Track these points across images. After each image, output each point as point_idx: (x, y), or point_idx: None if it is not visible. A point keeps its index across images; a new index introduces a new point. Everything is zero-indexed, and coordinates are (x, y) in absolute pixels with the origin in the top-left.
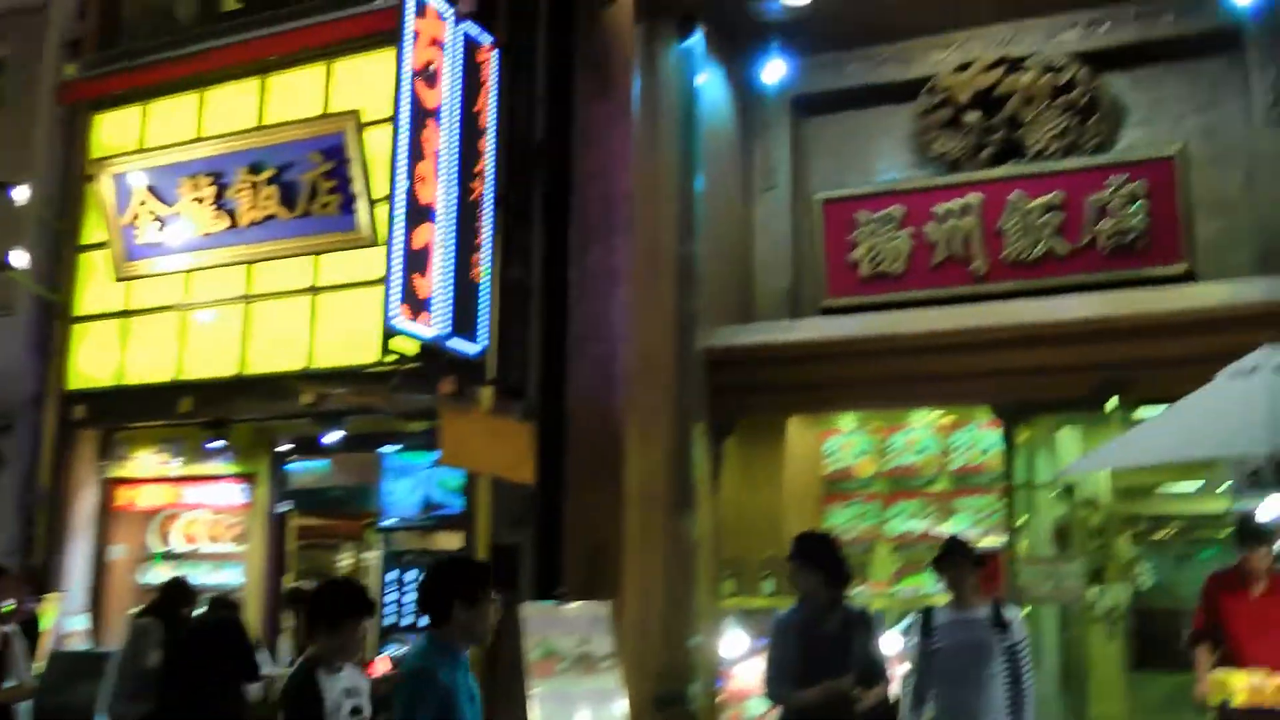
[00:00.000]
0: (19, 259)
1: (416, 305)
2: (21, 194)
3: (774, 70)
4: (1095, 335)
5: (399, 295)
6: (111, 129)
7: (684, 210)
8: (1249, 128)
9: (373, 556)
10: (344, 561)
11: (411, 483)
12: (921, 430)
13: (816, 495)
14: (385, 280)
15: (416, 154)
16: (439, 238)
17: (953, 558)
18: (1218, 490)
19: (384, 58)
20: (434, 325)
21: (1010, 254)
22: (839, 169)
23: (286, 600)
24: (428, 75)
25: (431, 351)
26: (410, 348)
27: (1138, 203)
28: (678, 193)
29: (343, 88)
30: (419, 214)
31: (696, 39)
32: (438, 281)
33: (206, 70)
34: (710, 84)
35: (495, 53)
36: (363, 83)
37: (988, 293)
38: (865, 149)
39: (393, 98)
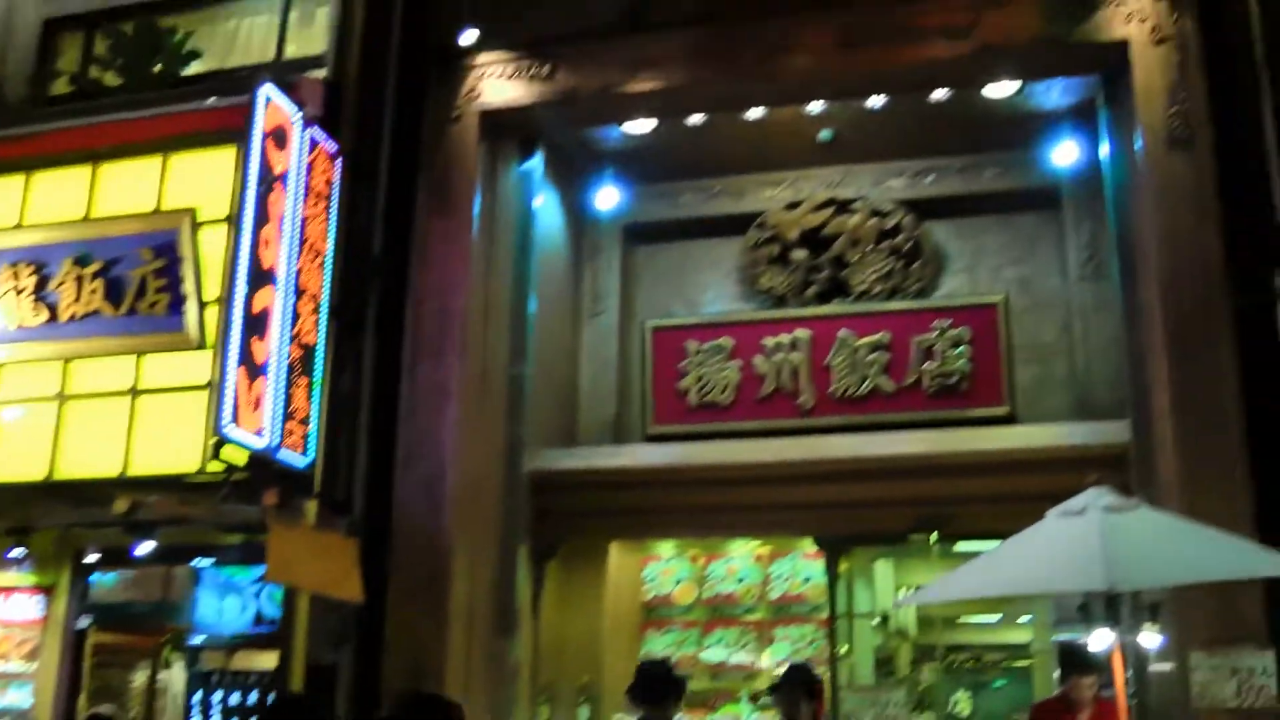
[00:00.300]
0: None
1: (247, 414)
2: None
3: (607, 197)
4: (918, 471)
5: (231, 403)
6: None
7: (516, 331)
8: (1065, 280)
9: (171, 676)
10: (137, 682)
11: (231, 597)
12: (741, 559)
13: (636, 621)
14: (217, 386)
15: (256, 257)
16: (273, 345)
17: (790, 686)
18: (1018, 621)
19: (222, 156)
20: (264, 435)
21: (837, 390)
22: (668, 297)
23: None
24: (271, 177)
25: (260, 462)
26: (239, 457)
27: (961, 347)
28: (510, 313)
29: (178, 184)
30: (255, 321)
31: (536, 161)
32: (270, 390)
33: (35, 154)
34: (546, 207)
35: (338, 160)
36: (199, 180)
37: (814, 426)
38: (695, 279)
39: (231, 197)
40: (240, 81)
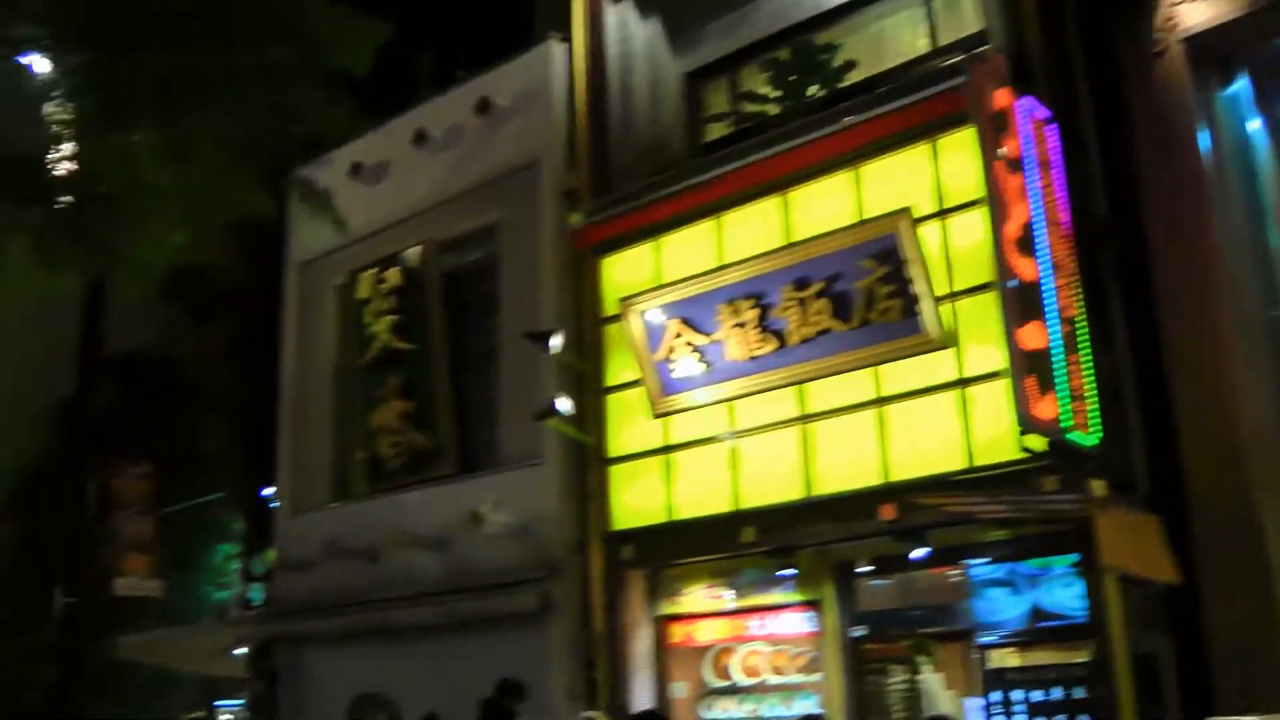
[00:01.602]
0: (564, 405)
1: (1041, 399)
2: (556, 343)
3: None
4: None
5: (1027, 390)
6: (622, 269)
7: (1262, 270)
8: None
9: (930, 678)
10: (897, 687)
11: (1006, 593)
12: None
13: None
14: (1013, 376)
15: (1015, 240)
16: (1048, 325)
17: None
18: None
19: (912, 155)
20: (1060, 419)
21: None
22: None
23: None
24: (1003, 156)
25: (1060, 447)
26: (1038, 444)
27: None
28: (1253, 251)
29: (873, 190)
30: (1028, 304)
31: (1242, 83)
32: (1055, 371)
33: (716, 198)
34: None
35: (1050, 127)
36: (893, 183)
37: None
38: None
39: (973, 185)
40: (915, 80)
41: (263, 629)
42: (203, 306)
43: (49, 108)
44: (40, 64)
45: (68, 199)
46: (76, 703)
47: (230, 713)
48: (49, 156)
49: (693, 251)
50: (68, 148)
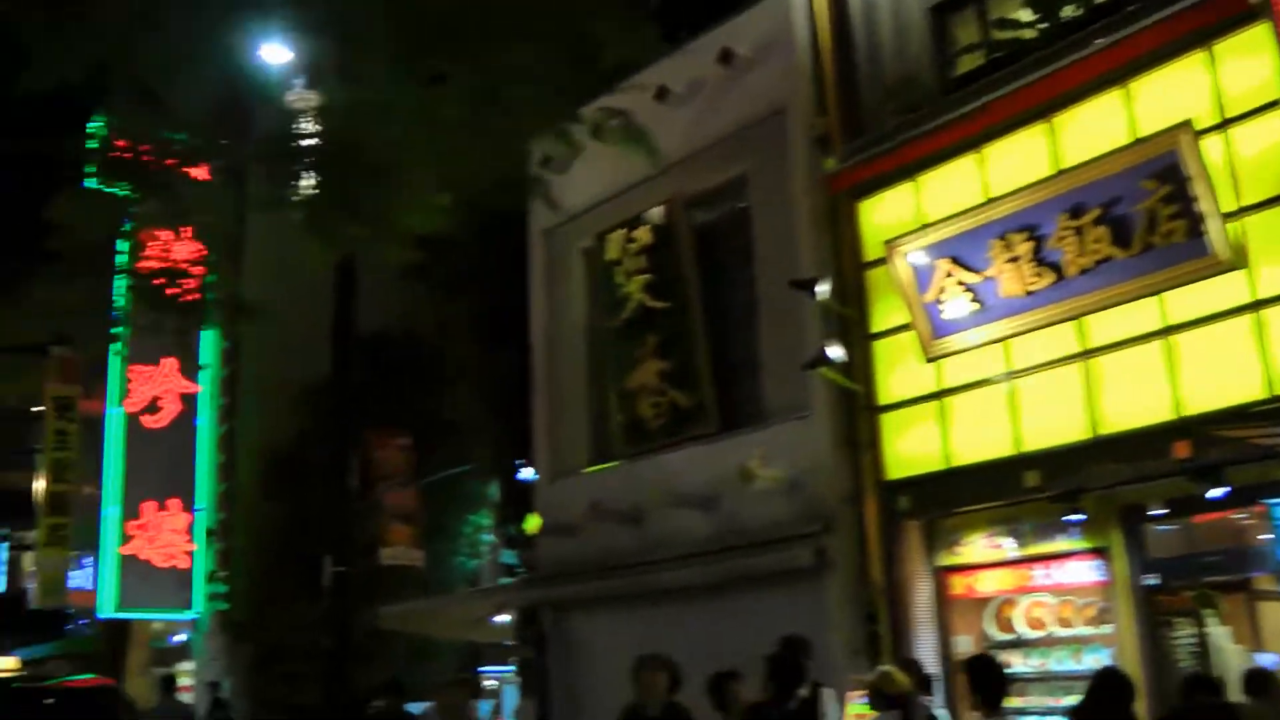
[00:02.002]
0: (835, 352)
1: None
2: (822, 289)
3: None
4: None
5: None
6: (882, 211)
7: None
8: None
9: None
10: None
11: None
12: None
13: None
14: None
15: None
16: None
17: None
18: None
19: (1191, 62)
20: None
21: None
22: None
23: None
24: None
25: None
26: None
27: None
28: None
29: (1145, 106)
30: None
31: None
32: None
33: (977, 131)
34: None
35: None
36: (1167, 95)
37: None
38: None
39: (1259, 89)
40: None
41: (527, 595)
42: (447, 282)
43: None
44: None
45: (330, 170)
46: (347, 671)
47: (494, 679)
48: (309, 128)
49: (955, 188)
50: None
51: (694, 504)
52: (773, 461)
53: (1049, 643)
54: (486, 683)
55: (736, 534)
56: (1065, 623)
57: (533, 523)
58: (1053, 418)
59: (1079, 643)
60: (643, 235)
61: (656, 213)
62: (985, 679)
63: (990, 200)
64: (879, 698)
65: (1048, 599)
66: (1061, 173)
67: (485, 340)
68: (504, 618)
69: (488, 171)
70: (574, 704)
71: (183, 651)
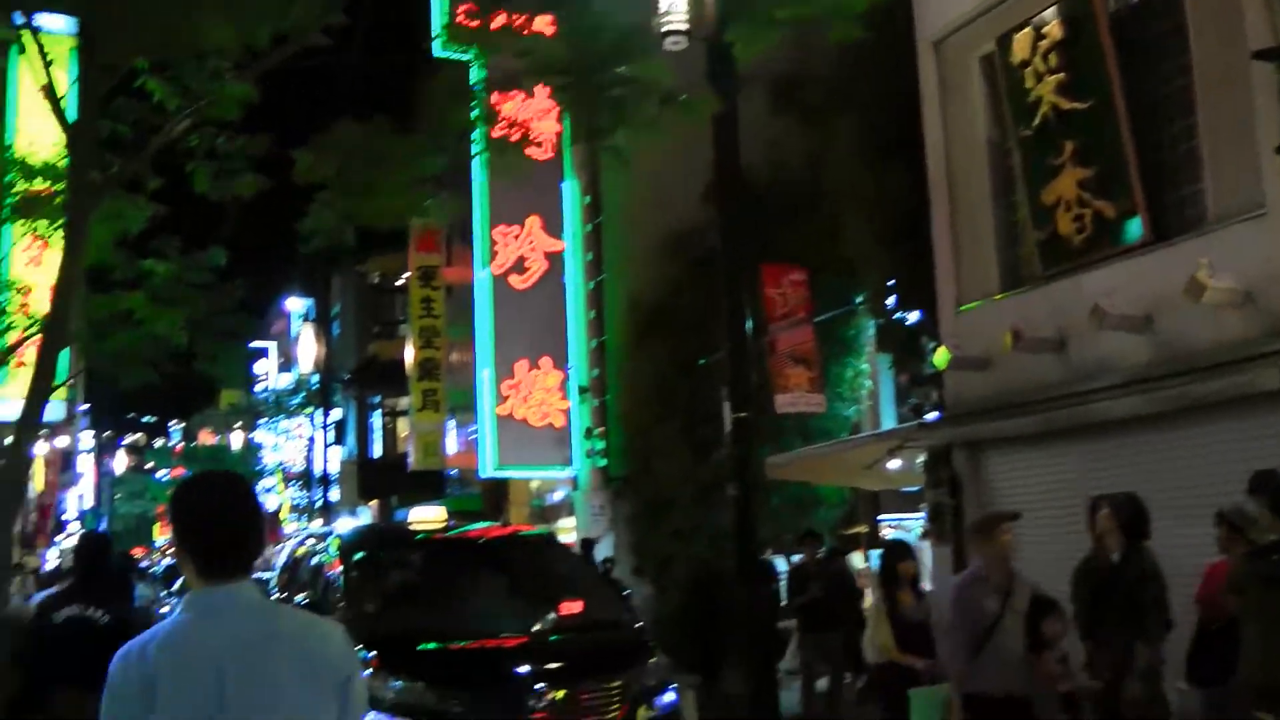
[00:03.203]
0: None
1: None
2: None
3: None
4: None
5: None
6: None
7: None
8: None
9: None
10: None
11: None
12: None
13: None
14: None
15: None
16: None
17: None
18: None
19: None
20: None
21: None
22: None
23: None
24: None
25: None
26: None
27: None
28: None
29: None
30: None
31: None
32: None
33: None
34: None
35: None
36: None
37: None
38: None
39: None
40: None
41: (937, 434)
42: (815, 110)
43: None
44: None
45: None
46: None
47: (895, 528)
48: None
49: None
50: None
51: (1127, 325)
52: (1222, 271)
53: None
54: (887, 532)
55: (1180, 357)
56: None
57: (942, 357)
58: None
59: None
60: (1053, 30)
61: (1066, 3)
62: None
63: None
64: None
65: None
66: None
67: (868, 167)
68: (896, 463)
69: None
70: None
71: (561, 509)
